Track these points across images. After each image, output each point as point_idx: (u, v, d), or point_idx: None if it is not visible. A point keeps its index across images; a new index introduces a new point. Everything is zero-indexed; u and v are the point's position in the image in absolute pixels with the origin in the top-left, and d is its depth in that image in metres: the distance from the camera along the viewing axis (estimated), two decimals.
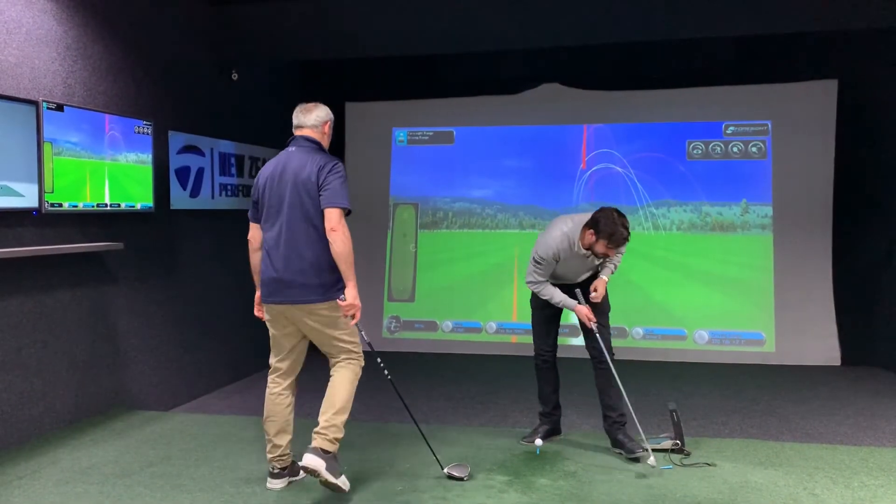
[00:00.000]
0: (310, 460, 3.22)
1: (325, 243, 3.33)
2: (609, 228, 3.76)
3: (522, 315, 7.20)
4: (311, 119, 3.62)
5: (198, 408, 5.25)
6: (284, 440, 3.49)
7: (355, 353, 3.49)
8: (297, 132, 3.62)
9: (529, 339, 7.18)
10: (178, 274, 5.38)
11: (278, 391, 3.52)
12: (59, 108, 4.16)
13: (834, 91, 6.64)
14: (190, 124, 5.46)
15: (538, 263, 3.98)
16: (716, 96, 6.92)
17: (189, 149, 5.43)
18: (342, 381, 3.43)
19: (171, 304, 5.27)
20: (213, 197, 5.73)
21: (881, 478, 3.60)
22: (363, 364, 3.53)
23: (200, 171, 5.56)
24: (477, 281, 7.35)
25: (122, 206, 4.65)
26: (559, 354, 6.91)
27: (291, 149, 3.57)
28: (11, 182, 3.87)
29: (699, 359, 6.65)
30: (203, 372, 5.63)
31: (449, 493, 3.42)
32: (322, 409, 3.38)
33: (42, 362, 4.16)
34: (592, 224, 3.83)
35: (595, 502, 3.32)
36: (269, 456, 3.50)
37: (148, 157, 4.85)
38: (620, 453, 3.95)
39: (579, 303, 4.03)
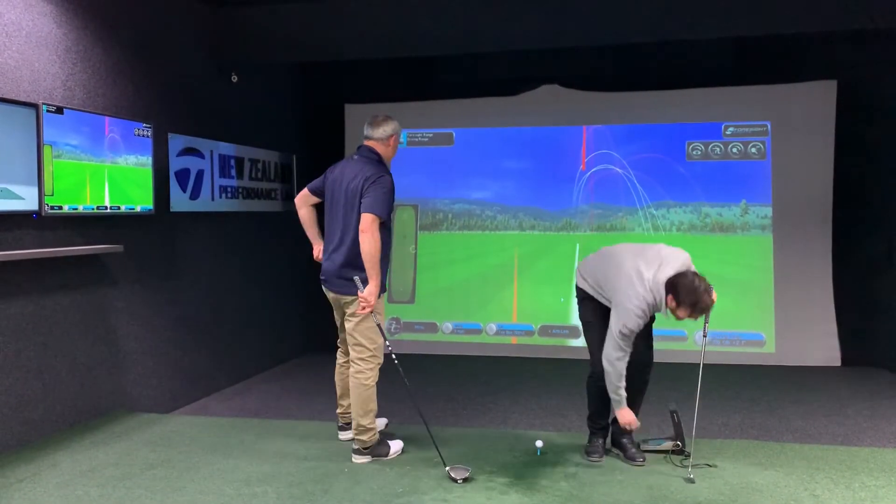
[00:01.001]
0: (355, 459, 3.89)
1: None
2: (691, 298, 3.48)
3: (522, 316, 7.21)
4: (379, 132, 3.96)
5: (198, 410, 5.25)
6: (346, 401, 4.11)
7: (365, 358, 3.88)
8: (364, 142, 4.01)
9: (529, 340, 7.34)
10: (178, 276, 5.38)
11: (340, 362, 4.20)
12: (59, 110, 4.16)
13: (833, 92, 6.64)
14: (190, 127, 5.47)
15: (627, 336, 3.60)
16: (715, 97, 6.93)
17: (189, 151, 5.43)
18: (353, 393, 3.89)
19: (171, 307, 5.27)
20: (213, 199, 5.72)
21: (882, 478, 3.60)
22: (373, 369, 3.89)
23: (200, 174, 5.56)
24: (477, 282, 7.35)
25: (122, 208, 4.65)
26: (559, 356, 6.99)
27: (355, 156, 3.99)
28: (11, 185, 3.87)
29: (699, 360, 6.64)
30: (203, 374, 5.63)
31: (450, 494, 3.42)
32: (352, 411, 3.94)
33: (42, 365, 4.16)
34: (671, 290, 3.54)
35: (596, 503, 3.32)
36: (338, 412, 4.22)
37: (148, 160, 4.85)
38: (619, 454, 3.94)
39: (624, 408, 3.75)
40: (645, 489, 3.48)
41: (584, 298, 3.97)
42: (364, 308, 3.74)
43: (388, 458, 3.92)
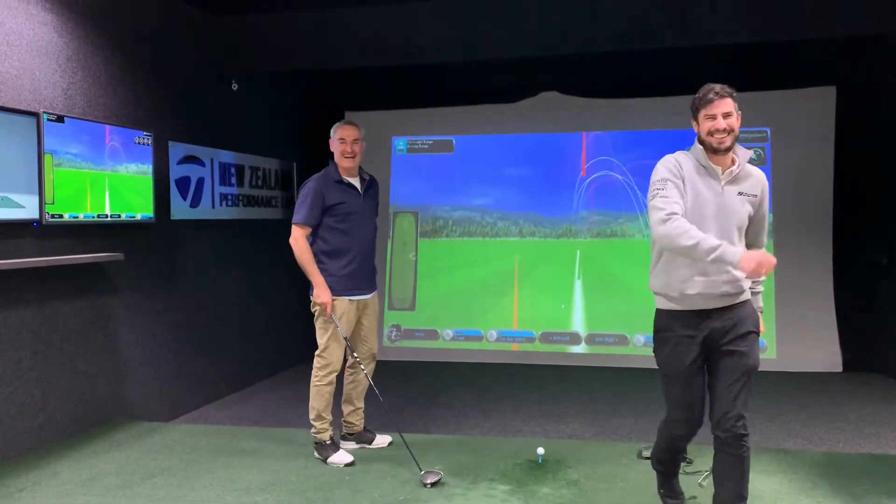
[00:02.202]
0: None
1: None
2: (698, 96, 2.86)
3: (523, 323, 7.20)
4: None
5: (198, 418, 5.24)
6: (346, 409, 4.21)
7: (317, 355, 4.01)
8: None
9: (530, 346, 7.33)
10: (179, 284, 5.37)
11: (347, 366, 4.23)
12: (60, 119, 4.17)
13: (832, 98, 6.65)
14: (190, 135, 5.47)
15: (660, 188, 2.88)
16: None
17: (189, 159, 5.44)
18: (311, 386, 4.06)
19: (171, 314, 5.27)
20: (213, 207, 5.73)
21: (885, 484, 3.59)
22: (322, 368, 3.99)
23: (201, 182, 5.56)
24: (477, 289, 7.35)
25: (123, 216, 4.65)
26: (560, 363, 6.97)
27: None
28: (12, 193, 3.87)
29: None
30: (204, 382, 5.62)
31: (450, 502, 3.41)
32: None
33: (42, 373, 4.16)
34: (694, 114, 2.88)
35: None
36: (342, 419, 4.24)
37: (148, 168, 4.86)
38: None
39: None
40: (648, 496, 3.47)
41: (667, 331, 3.01)
42: (321, 307, 3.93)
43: (327, 463, 3.95)
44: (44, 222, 4.05)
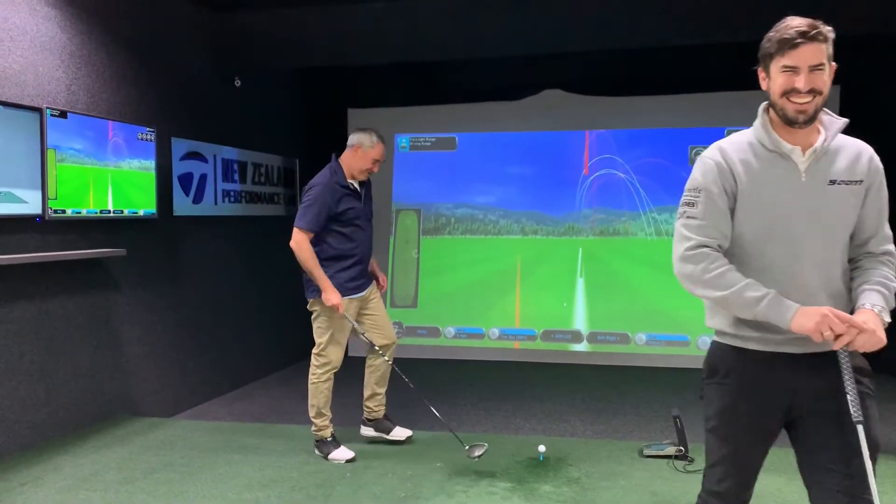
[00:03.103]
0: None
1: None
2: (773, 35, 1.93)
3: (525, 321, 7.20)
4: (349, 139, 4.11)
5: (200, 414, 5.25)
6: (366, 393, 4.23)
7: (316, 353, 4.03)
8: None
9: (532, 344, 7.33)
10: (181, 280, 5.38)
11: (367, 355, 4.29)
12: (63, 114, 4.17)
13: (836, 97, 6.63)
14: (193, 131, 5.48)
15: (689, 205, 1.99)
16: (717, 101, 6.91)
17: (192, 155, 5.44)
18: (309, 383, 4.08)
19: (173, 311, 5.27)
20: (215, 203, 5.73)
21: (888, 484, 3.58)
22: (320, 366, 4.01)
23: (203, 178, 5.57)
24: (479, 287, 7.34)
25: (125, 212, 4.66)
26: (561, 361, 6.97)
27: None
28: (15, 189, 3.88)
29: (703, 365, 6.62)
30: (205, 379, 5.63)
31: (452, 499, 3.41)
32: None
33: (45, 369, 4.17)
34: (762, 59, 1.97)
35: None
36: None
37: (151, 164, 4.86)
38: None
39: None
40: (649, 495, 3.47)
41: (724, 377, 2.16)
42: (333, 308, 3.92)
43: (328, 459, 3.96)
44: (46, 218, 4.05)
